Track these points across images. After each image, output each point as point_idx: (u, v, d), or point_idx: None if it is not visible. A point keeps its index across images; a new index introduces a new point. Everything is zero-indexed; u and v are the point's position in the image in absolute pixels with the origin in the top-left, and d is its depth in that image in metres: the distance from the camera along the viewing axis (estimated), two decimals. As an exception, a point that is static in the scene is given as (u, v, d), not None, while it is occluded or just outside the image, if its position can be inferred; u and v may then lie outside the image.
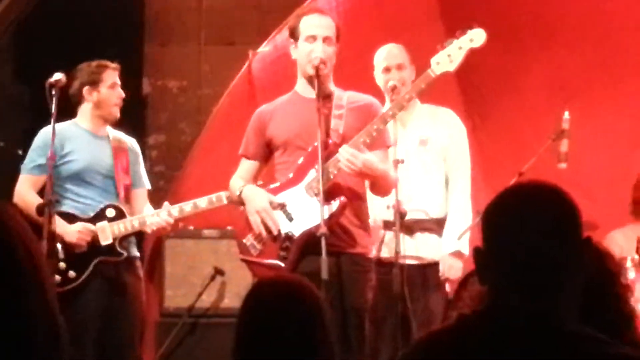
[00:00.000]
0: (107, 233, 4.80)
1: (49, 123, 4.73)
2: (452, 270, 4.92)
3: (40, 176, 4.88)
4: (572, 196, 1.92)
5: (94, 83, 4.99)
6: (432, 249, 4.94)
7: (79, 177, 4.90)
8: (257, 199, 4.25)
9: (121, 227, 4.83)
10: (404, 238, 4.61)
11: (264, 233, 4.21)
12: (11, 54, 7.71)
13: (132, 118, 5.21)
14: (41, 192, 4.76)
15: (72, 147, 4.91)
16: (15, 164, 7.10)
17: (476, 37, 4.21)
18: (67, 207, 4.86)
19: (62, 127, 4.93)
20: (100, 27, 7.16)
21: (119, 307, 4.84)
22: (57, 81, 4.74)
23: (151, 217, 4.83)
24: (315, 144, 4.13)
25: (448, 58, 4.20)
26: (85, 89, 5.00)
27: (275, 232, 4.19)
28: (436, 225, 4.97)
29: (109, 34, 7.13)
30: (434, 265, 4.94)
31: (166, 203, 4.91)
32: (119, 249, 4.82)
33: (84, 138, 4.99)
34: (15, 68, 7.76)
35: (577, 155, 5.38)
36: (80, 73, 5.02)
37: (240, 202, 4.35)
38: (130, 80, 5.25)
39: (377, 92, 4.91)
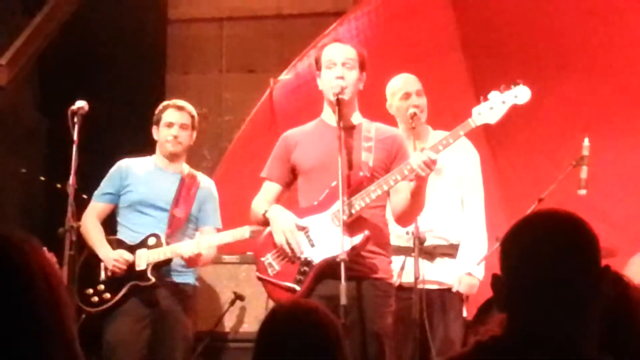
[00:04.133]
0: (142, 260, 4.97)
1: (71, 151, 4.78)
2: (468, 287, 4.98)
3: (105, 204, 5.16)
4: (589, 224, 1.93)
5: (157, 122, 5.20)
6: (451, 274, 4.98)
7: (134, 208, 5.10)
8: (283, 219, 4.29)
9: (154, 255, 4.97)
10: (424, 263, 4.65)
11: (288, 252, 4.24)
12: (34, 82, 7.79)
13: (155, 144, 5.26)
14: (107, 219, 5.16)
15: (133, 180, 5.13)
16: (36, 189, 7.17)
17: (521, 94, 4.22)
18: (121, 234, 5.11)
19: (134, 161, 5.21)
20: (123, 55, 7.23)
21: (159, 330, 5.01)
22: (79, 108, 4.80)
23: (182, 247, 4.92)
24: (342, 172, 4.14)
25: (490, 110, 4.20)
26: (154, 128, 5.21)
27: (298, 254, 4.22)
28: (455, 250, 5.03)
29: (131, 62, 7.19)
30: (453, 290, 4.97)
31: (197, 233, 5.09)
32: (149, 274, 4.96)
33: (149, 172, 5.19)
34: (37, 97, 7.84)
35: (596, 182, 5.38)
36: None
37: (265, 222, 4.38)
38: (152, 108, 5.31)
39: (394, 120, 4.94)
